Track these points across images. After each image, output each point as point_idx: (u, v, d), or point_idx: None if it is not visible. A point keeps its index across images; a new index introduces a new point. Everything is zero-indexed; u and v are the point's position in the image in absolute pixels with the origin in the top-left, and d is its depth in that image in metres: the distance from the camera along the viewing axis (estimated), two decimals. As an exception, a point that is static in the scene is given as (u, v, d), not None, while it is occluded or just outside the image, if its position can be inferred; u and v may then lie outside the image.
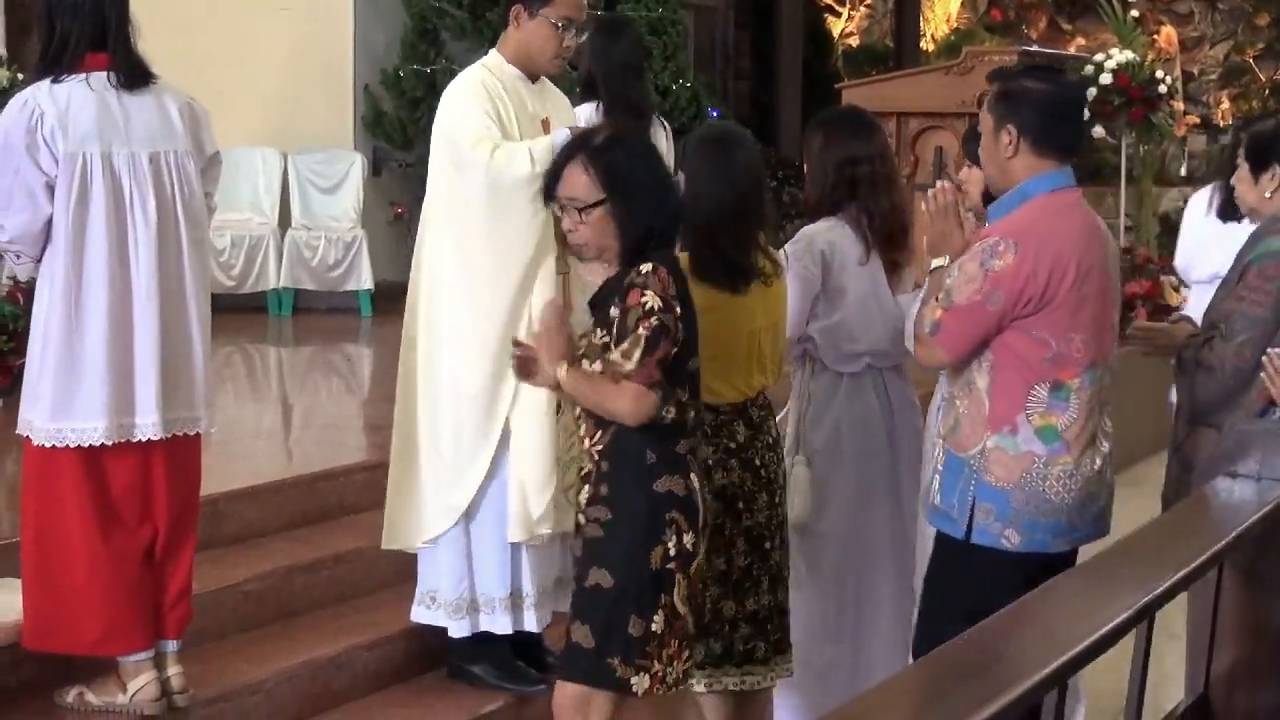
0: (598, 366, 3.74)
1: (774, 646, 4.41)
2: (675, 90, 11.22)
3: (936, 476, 4.16)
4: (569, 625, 3.78)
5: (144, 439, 4.37)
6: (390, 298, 8.98)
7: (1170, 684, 4.00)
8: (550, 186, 3.85)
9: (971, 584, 4.05)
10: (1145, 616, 3.05)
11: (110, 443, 4.33)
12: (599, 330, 3.79)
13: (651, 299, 3.70)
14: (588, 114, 6.00)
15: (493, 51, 4.97)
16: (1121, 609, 2.84)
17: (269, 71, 11.11)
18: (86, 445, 4.31)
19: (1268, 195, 4.44)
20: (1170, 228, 14.91)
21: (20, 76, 7.87)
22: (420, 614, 5.06)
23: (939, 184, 4.29)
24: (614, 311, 3.73)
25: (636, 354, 3.70)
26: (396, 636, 5.19)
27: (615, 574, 3.71)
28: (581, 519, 3.81)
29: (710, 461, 4.28)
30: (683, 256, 4.30)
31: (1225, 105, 17.85)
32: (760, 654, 4.38)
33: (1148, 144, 12.45)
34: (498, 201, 4.76)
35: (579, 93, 6.15)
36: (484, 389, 4.82)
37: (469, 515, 4.92)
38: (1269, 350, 4.09)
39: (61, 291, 4.31)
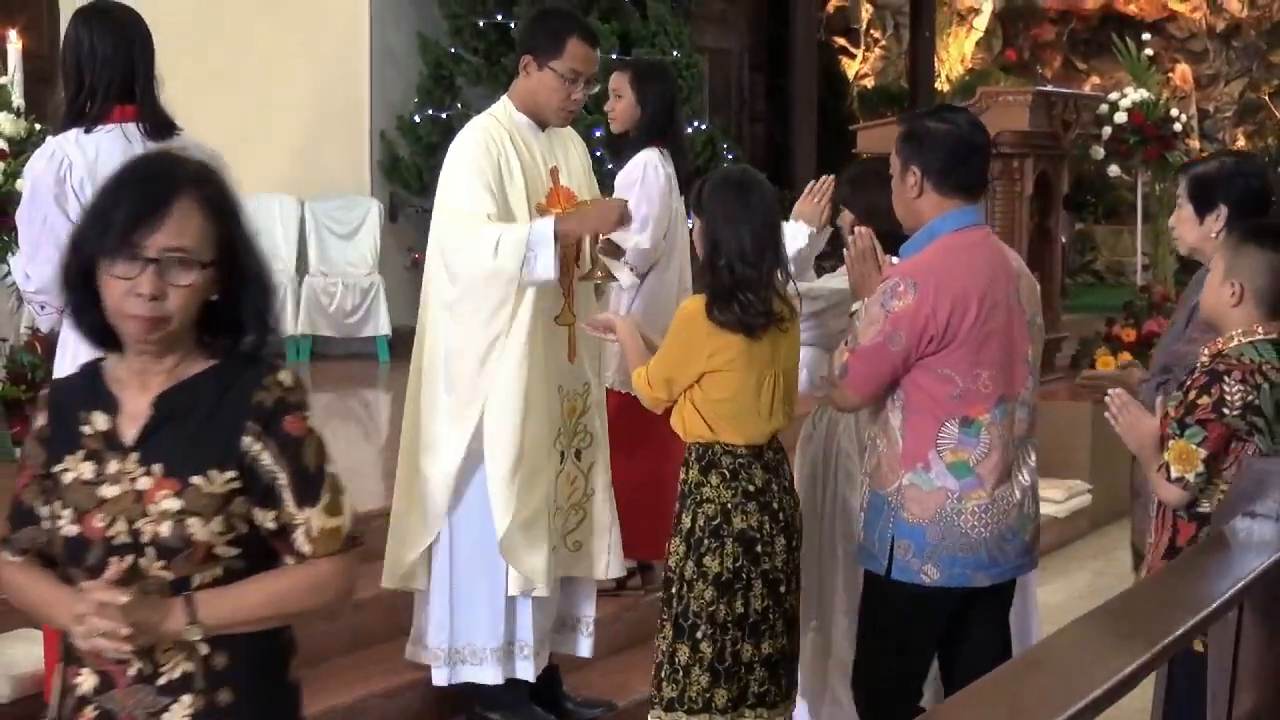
0: (216, 528, 2.55)
1: (784, 691, 4.42)
2: (691, 133, 11.25)
3: (861, 515, 4.23)
4: None
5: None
6: (408, 343, 8.90)
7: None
8: (134, 227, 2.57)
9: (895, 618, 4.17)
10: (1164, 659, 3.03)
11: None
12: (215, 471, 2.55)
13: (312, 419, 2.63)
14: (649, 160, 5.91)
15: (504, 98, 4.97)
16: (1139, 652, 2.82)
17: (286, 118, 11.15)
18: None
19: (1213, 235, 4.45)
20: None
21: (38, 127, 7.89)
22: (410, 652, 5.05)
23: (858, 229, 4.34)
24: (250, 443, 2.56)
25: (346, 504, 2.65)
26: (416, 684, 5.17)
27: None
28: None
29: (730, 505, 4.29)
30: (698, 300, 4.32)
31: (1241, 142, 17.83)
32: (771, 698, 4.38)
33: (1164, 182, 12.44)
34: (456, 277, 4.79)
35: (634, 139, 6.03)
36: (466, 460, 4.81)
37: (454, 565, 4.86)
38: (1110, 391, 4.10)
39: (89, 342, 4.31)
